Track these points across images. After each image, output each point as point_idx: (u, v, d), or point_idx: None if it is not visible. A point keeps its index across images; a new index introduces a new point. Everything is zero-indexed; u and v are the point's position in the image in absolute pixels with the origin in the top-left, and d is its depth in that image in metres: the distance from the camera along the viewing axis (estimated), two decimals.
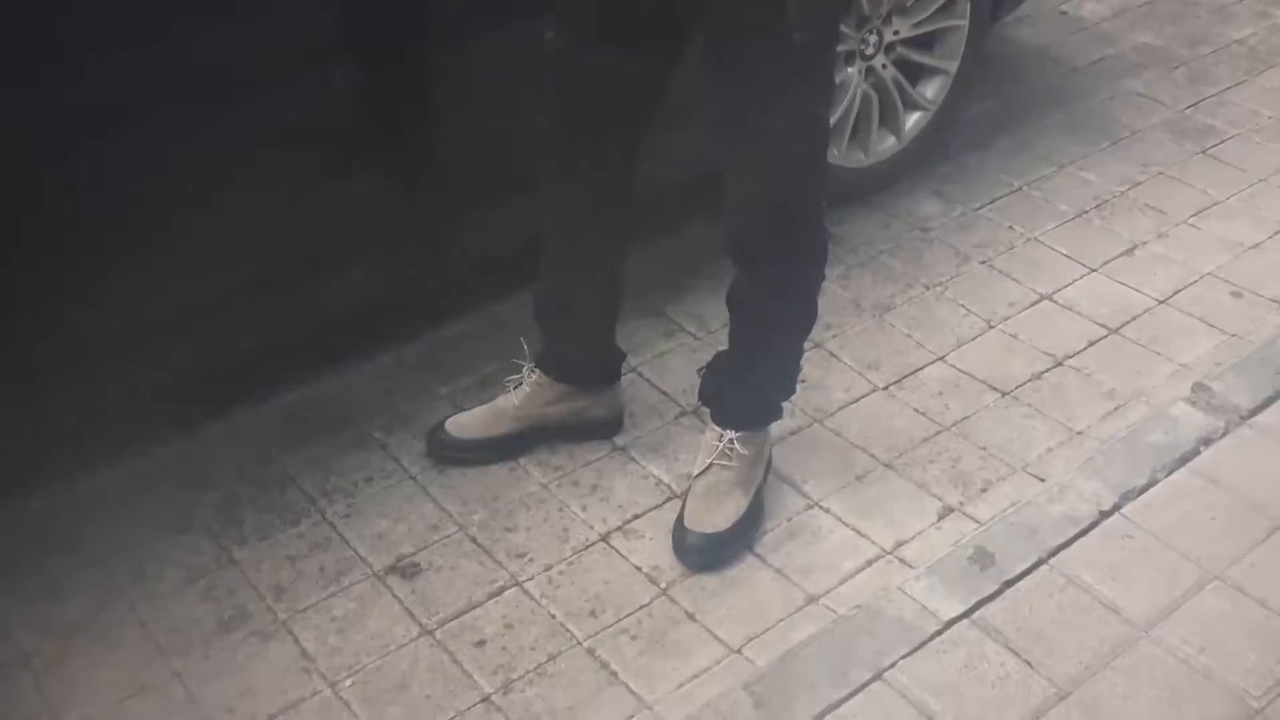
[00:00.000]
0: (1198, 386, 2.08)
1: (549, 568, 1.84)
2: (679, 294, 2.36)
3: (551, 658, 1.71)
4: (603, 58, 1.64)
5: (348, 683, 1.68)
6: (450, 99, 1.95)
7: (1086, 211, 2.63)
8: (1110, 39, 3.28)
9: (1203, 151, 2.82)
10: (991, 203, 2.65)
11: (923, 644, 1.65)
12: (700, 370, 1.95)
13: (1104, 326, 2.32)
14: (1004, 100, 2.99)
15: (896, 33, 2.51)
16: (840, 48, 2.36)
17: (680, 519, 1.86)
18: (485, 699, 1.66)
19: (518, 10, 1.87)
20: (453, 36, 1.91)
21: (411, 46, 1.89)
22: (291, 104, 1.79)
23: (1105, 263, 2.48)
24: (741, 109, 1.63)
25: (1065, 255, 2.50)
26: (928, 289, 2.41)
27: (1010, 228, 2.58)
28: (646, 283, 2.26)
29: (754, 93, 1.60)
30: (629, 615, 1.76)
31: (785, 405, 1.94)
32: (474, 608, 1.78)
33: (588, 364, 2.00)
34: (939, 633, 1.66)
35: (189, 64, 1.65)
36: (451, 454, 2.00)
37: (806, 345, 1.90)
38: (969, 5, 2.57)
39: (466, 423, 2.01)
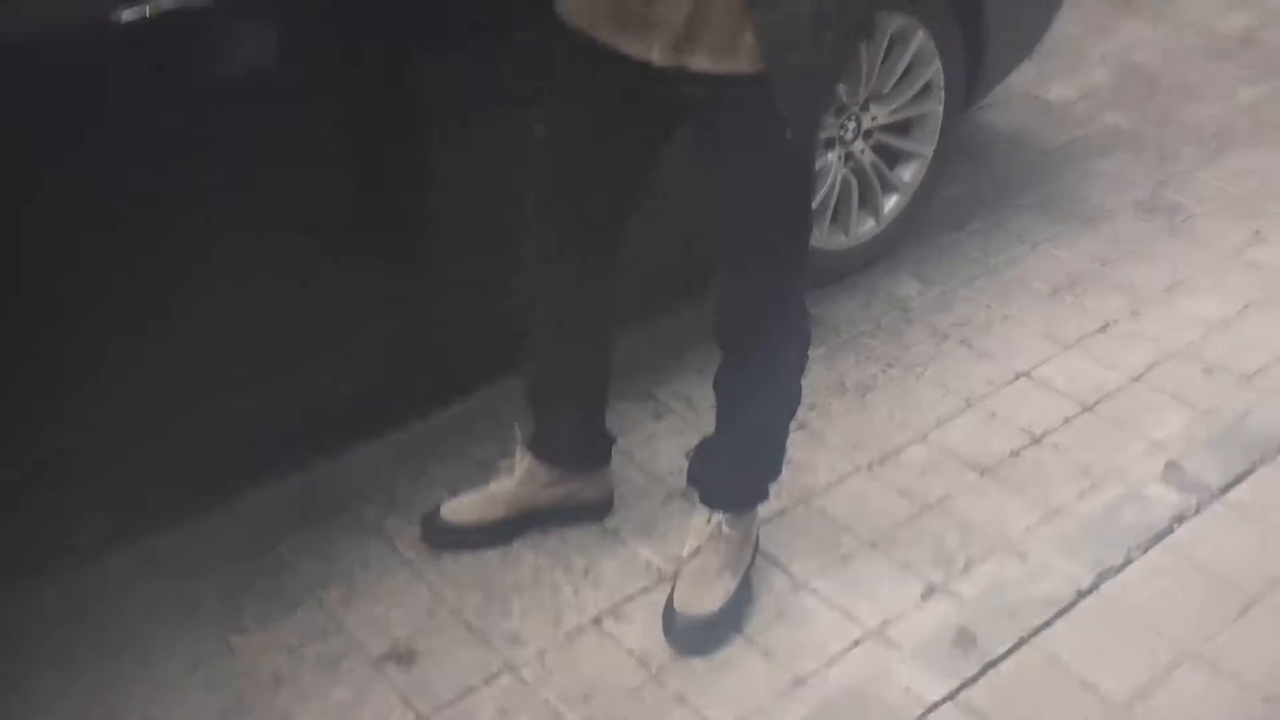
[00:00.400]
0: (1170, 464, 2.15)
1: (542, 652, 1.87)
2: (668, 375, 2.42)
3: None
4: (591, 147, 1.70)
5: None
6: (445, 186, 2.00)
7: (1060, 289, 2.71)
8: (1080, 121, 3.39)
9: (1172, 229, 2.92)
10: (968, 282, 2.73)
11: None
12: (689, 453, 2.01)
13: (1079, 404, 2.38)
14: (978, 182, 3.08)
15: (874, 119, 2.60)
16: (821, 134, 2.45)
17: (670, 602, 1.90)
18: None
19: (508, 99, 1.95)
20: (444, 123, 1.96)
21: (405, 131, 1.94)
22: (290, 191, 1.84)
23: (1079, 339, 2.55)
24: (728, 199, 1.69)
25: (1040, 333, 2.57)
26: (908, 368, 2.47)
27: (987, 306, 2.65)
28: (635, 364, 2.32)
29: (741, 184, 1.66)
30: (620, 700, 1.80)
31: (771, 486, 1.99)
32: (469, 694, 1.80)
33: (578, 448, 2.05)
34: (923, 716, 1.70)
35: (179, 150, 1.68)
36: (446, 539, 2.04)
37: (791, 426, 1.95)
38: (944, 92, 2.67)
39: (460, 508, 2.05)
